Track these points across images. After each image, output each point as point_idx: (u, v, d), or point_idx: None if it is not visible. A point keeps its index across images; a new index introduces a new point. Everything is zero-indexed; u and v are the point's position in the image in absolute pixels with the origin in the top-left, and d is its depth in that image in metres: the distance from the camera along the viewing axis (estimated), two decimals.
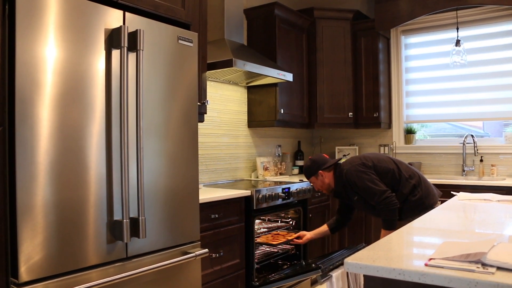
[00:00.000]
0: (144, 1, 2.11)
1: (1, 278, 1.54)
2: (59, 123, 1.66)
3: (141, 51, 1.90)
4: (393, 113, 4.53)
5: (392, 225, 2.53)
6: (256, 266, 3.05)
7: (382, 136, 4.61)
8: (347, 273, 2.72)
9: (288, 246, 3.51)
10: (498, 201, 2.27)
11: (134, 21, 1.94)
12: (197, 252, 2.17)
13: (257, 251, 3.29)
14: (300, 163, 4.57)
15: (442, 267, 1.06)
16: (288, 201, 3.30)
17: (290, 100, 4.01)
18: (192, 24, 2.42)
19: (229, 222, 2.82)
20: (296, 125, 4.19)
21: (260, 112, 3.93)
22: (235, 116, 3.89)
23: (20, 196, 1.54)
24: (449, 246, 1.23)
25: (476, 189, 3.26)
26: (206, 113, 2.81)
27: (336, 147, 4.79)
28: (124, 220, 1.82)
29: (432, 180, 3.45)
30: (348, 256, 1.25)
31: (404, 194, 2.61)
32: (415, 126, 4.52)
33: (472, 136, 4.04)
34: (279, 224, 3.62)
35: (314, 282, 3.15)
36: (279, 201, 3.20)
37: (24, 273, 1.54)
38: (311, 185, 3.25)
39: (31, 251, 1.56)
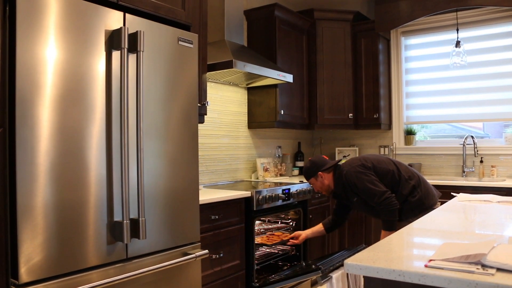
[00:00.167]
0: (144, 2, 2.11)
1: (1, 279, 1.54)
2: (60, 124, 1.66)
3: (141, 52, 1.90)
4: (393, 114, 4.53)
5: (392, 226, 2.53)
6: (256, 267, 3.05)
7: (382, 137, 4.61)
8: (347, 274, 2.72)
9: (288, 247, 3.51)
10: (498, 202, 2.27)
11: (134, 23, 1.94)
12: (197, 253, 2.17)
13: (257, 252, 3.29)
14: (300, 164, 4.57)
15: (442, 268, 1.06)
16: (288, 202, 3.30)
17: (290, 101, 4.02)
18: (192, 25, 2.42)
19: (229, 223, 2.82)
20: (296, 126, 4.20)
21: (260, 113, 3.93)
22: (235, 117, 3.89)
23: (20, 197, 1.54)
24: (449, 247, 1.23)
25: (476, 190, 3.26)
26: (206, 114, 2.81)
27: (336, 148, 4.79)
28: (124, 221, 1.82)
29: (432, 181, 3.45)
30: (348, 257, 1.25)
31: (403, 195, 2.61)
32: (415, 127, 4.53)
33: (472, 137, 4.04)
34: (279, 225, 3.62)
35: (314, 283, 3.15)
36: (279, 202, 3.20)
37: (24, 274, 1.54)
38: (311, 186, 3.25)
39: (31, 252, 1.56)
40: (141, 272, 1.88)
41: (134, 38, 1.89)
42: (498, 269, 1.04)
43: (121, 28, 1.84)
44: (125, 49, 1.84)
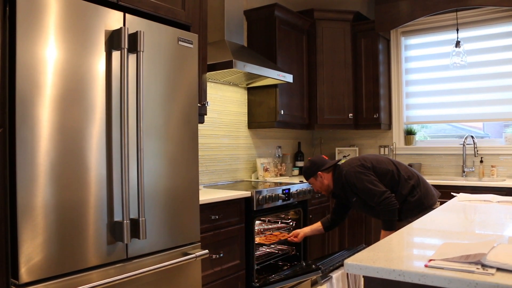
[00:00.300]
0: (144, 2, 2.11)
1: (1, 279, 1.54)
2: (60, 124, 1.66)
3: (141, 52, 1.90)
4: (393, 114, 4.53)
5: (392, 226, 2.53)
6: (256, 267, 3.05)
7: (382, 137, 4.61)
8: (347, 274, 2.72)
9: (288, 247, 3.51)
10: (498, 202, 2.27)
11: (134, 23, 1.94)
12: (197, 253, 2.17)
13: (257, 252, 3.29)
14: (300, 164, 4.57)
15: (442, 268, 1.06)
16: (288, 202, 3.30)
17: (290, 101, 4.02)
18: (192, 25, 2.42)
19: (229, 223, 2.82)
20: (296, 126, 4.20)
21: (260, 113, 3.93)
22: (235, 117, 3.89)
23: (20, 197, 1.54)
24: (449, 247, 1.23)
25: (476, 190, 3.26)
26: (206, 114, 2.81)
27: (336, 148, 4.79)
28: (124, 221, 1.82)
29: (432, 181, 3.45)
30: (348, 257, 1.25)
31: (403, 195, 2.61)
32: (415, 127, 4.53)
33: (472, 137, 4.04)
34: (279, 225, 3.62)
35: (314, 283, 3.15)
36: (279, 202, 3.20)
37: (25, 274, 1.54)
38: (311, 186, 3.25)
39: (32, 252, 1.56)
40: (141, 272, 1.88)
41: (134, 38, 1.89)
42: (498, 269, 1.04)
43: (121, 28, 1.84)
44: (125, 49, 1.84)
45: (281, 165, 4.28)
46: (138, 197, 1.89)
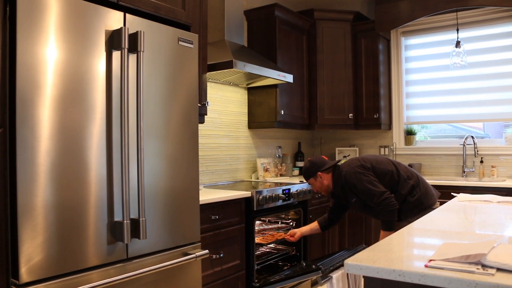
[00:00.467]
0: (144, 2, 2.11)
1: (1, 279, 1.54)
2: (60, 124, 1.66)
3: (141, 52, 1.90)
4: (393, 114, 4.53)
5: (391, 226, 2.53)
6: (256, 267, 3.05)
7: (382, 137, 4.61)
8: (347, 274, 2.72)
9: (288, 247, 3.51)
10: (498, 202, 2.27)
11: (134, 23, 1.94)
12: (198, 253, 2.17)
13: (258, 252, 3.30)
14: (300, 164, 4.57)
15: (442, 268, 1.06)
16: (289, 202, 3.30)
17: (291, 101, 4.02)
18: (192, 25, 2.42)
19: (229, 223, 2.82)
20: (296, 126, 4.20)
21: (261, 113, 3.93)
22: (236, 117, 3.89)
23: (20, 197, 1.54)
24: (449, 247, 1.23)
25: (476, 190, 3.26)
26: (206, 114, 2.81)
27: (337, 148, 4.79)
28: (125, 221, 1.82)
29: (432, 181, 3.45)
30: (348, 257, 1.25)
31: (402, 195, 2.61)
32: (415, 127, 4.53)
33: (472, 137, 4.04)
34: (279, 225, 3.62)
35: (315, 283, 3.15)
36: (280, 202, 3.20)
37: (25, 274, 1.54)
38: (311, 187, 3.25)
39: (32, 252, 1.56)
40: (141, 272, 1.89)
41: (134, 38, 1.89)
42: (498, 269, 1.04)
43: (121, 28, 1.84)
44: (126, 49, 1.84)
45: (281, 165, 4.28)
46: (138, 197, 1.90)
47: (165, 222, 2.07)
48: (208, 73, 3.06)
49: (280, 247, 3.56)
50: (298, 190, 3.39)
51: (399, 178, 2.65)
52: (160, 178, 2.05)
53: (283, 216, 3.62)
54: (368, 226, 4.06)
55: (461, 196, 2.50)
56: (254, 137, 4.11)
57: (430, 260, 1.12)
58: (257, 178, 4.01)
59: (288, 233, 3.16)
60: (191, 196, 2.22)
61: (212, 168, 3.61)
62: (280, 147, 4.44)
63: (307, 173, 2.83)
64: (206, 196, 2.66)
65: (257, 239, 3.33)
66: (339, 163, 2.83)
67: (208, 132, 3.57)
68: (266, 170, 4.04)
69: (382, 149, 4.60)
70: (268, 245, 3.47)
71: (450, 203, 2.31)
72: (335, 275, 2.66)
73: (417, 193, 2.61)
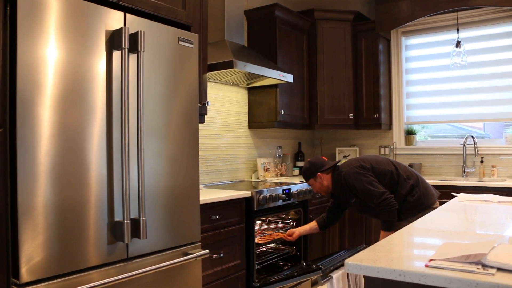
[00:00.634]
0: (144, 2, 2.11)
1: (2, 279, 1.54)
2: (60, 124, 1.66)
3: (142, 52, 1.91)
4: (393, 114, 4.53)
5: (391, 227, 2.53)
6: (256, 267, 3.06)
7: (382, 137, 4.61)
8: (348, 274, 2.72)
9: (288, 247, 3.51)
10: (499, 202, 2.27)
11: (135, 23, 1.95)
12: (198, 253, 2.17)
13: (258, 252, 3.29)
14: (300, 164, 4.57)
15: (442, 268, 1.06)
16: (289, 202, 3.30)
17: (291, 101, 4.02)
18: (192, 25, 2.42)
19: (229, 223, 2.82)
20: (296, 126, 4.20)
21: (261, 113, 3.93)
22: (236, 117, 3.89)
23: (21, 196, 1.54)
24: (450, 247, 1.23)
25: (476, 190, 3.26)
26: (206, 114, 2.81)
27: (337, 148, 4.79)
28: (125, 221, 1.82)
29: (432, 181, 3.45)
30: (348, 257, 1.26)
31: (402, 195, 2.61)
32: (415, 127, 4.53)
33: (472, 137, 4.04)
34: (279, 225, 3.62)
35: (315, 283, 3.15)
36: (280, 202, 3.20)
37: (25, 273, 1.55)
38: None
39: (32, 251, 1.57)
40: (141, 272, 1.89)
41: (134, 38, 1.89)
42: (499, 269, 1.04)
43: (121, 28, 1.84)
44: (126, 49, 1.84)
45: (281, 165, 4.28)
46: (138, 197, 1.90)
47: (165, 222, 2.07)
48: (208, 73, 3.06)
49: (280, 247, 3.56)
50: (298, 190, 3.39)
51: (399, 178, 2.65)
52: (160, 178, 2.05)
53: (283, 216, 3.62)
54: (369, 226, 4.06)
55: (461, 196, 2.50)
56: (254, 137, 4.11)
57: (431, 260, 1.12)
58: (257, 178, 4.01)
59: (286, 233, 3.16)
60: (191, 196, 2.22)
61: (212, 168, 3.61)
62: (280, 147, 4.44)
63: (307, 174, 2.83)
64: (206, 196, 2.66)
65: (257, 239, 3.33)
66: (339, 164, 2.83)
67: (208, 132, 3.57)
68: (266, 170, 4.04)
69: (382, 149, 4.60)
70: (269, 245, 3.47)
71: (450, 203, 2.31)
72: (336, 275, 2.67)
73: (416, 193, 2.61)
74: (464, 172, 4.11)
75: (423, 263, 1.11)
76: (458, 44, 3.97)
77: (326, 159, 2.90)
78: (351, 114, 4.32)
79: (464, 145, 4.10)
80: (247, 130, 4.03)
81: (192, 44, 2.23)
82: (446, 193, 3.19)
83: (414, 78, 4.51)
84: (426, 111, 4.44)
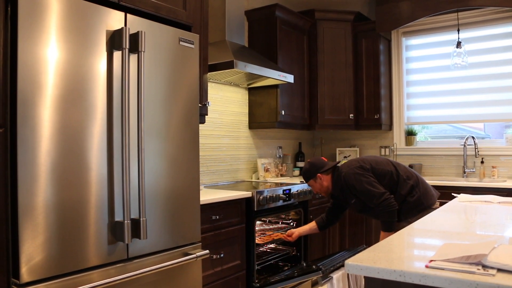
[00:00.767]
0: (145, 2, 2.11)
1: (2, 279, 1.54)
2: (61, 124, 1.66)
3: (142, 52, 1.91)
4: (394, 115, 4.53)
5: (391, 227, 2.53)
6: (256, 267, 3.05)
7: (383, 137, 4.61)
8: (348, 274, 2.72)
9: (288, 248, 3.51)
10: (499, 203, 2.27)
11: (135, 23, 1.95)
12: (198, 253, 2.17)
13: (258, 252, 3.29)
14: (301, 164, 4.57)
15: (442, 269, 1.06)
16: (289, 202, 3.30)
17: (291, 102, 4.02)
18: (193, 25, 2.43)
19: (230, 223, 2.82)
20: (297, 126, 4.20)
21: (261, 113, 3.93)
22: (236, 117, 3.90)
23: (21, 196, 1.54)
24: (450, 248, 1.23)
25: (477, 191, 3.26)
26: (207, 115, 2.81)
27: (337, 149, 4.79)
28: (125, 221, 1.82)
29: (432, 181, 3.45)
30: (348, 257, 1.26)
31: (402, 195, 2.61)
32: (416, 127, 4.53)
33: (473, 137, 4.04)
34: (280, 225, 3.62)
35: (315, 283, 3.15)
36: (280, 203, 3.20)
37: (25, 273, 1.55)
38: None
39: (32, 251, 1.57)
40: (142, 272, 1.89)
41: (135, 39, 1.89)
42: (499, 270, 1.04)
43: (122, 28, 1.85)
44: (126, 49, 1.84)
45: (281, 166, 4.28)
46: (139, 197, 1.90)
47: (165, 222, 2.07)
48: (209, 73, 3.05)
49: (281, 248, 3.56)
50: (299, 191, 3.39)
51: (399, 179, 2.65)
52: (160, 178, 2.05)
53: (284, 216, 3.62)
54: (369, 227, 4.06)
55: (461, 197, 2.49)
56: (254, 137, 4.11)
57: (431, 261, 1.12)
58: (258, 178, 4.01)
59: (286, 233, 3.16)
60: (191, 196, 2.22)
61: (212, 168, 3.61)
62: (280, 147, 4.44)
63: (307, 174, 2.83)
64: (207, 196, 2.66)
65: (258, 240, 3.33)
66: (339, 164, 2.83)
67: (208, 132, 3.57)
68: (266, 170, 4.04)
69: (382, 150, 4.59)
70: (269, 245, 3.47)
71: (450, 203, 2.31)
72: (336, 275, 2.67)
73: (416, 193, 2.61)
74: (465, 173, 4.11)
75: (424, 264, 1.11)
76: (458, 44, 3.97)
77: (326, 159, 2.90)
78: (352, 115, 4.32)
79: (464, 145, 4.09)
80: (247, 131, 4.03)
81: (193, 44, 2.23)
82: (447, 193, 3.19)
83: (415, 78, 4.51)
84: (426, 111, 4.44)
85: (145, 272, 1.90)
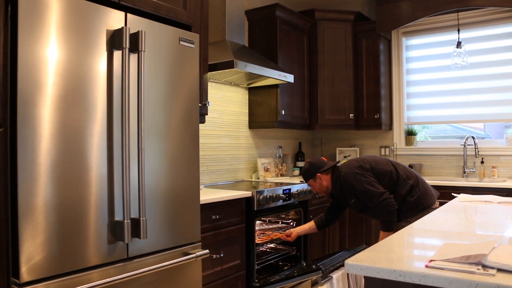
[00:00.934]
0: (145, 2, 2.11)
1: (2, 278, 1.54)
2: (61, 124, 1.66)
3: (142, 52, 1.91)
4: (394, 115, 4.53)
5: (391, 227, 2.53)
6: (256, 267, 3.06)
7: (383, 137, 4.61)
8: (348, 274, 2.72)
9: (288, 248, 3.51)
10: (499, 202, 2.27)
11: (135, 22, 1.95)
12: (198, 253, 2.17)
13: (257, 252, 3.30)
14: (301, 164, 4.57)
15: (442, 269, 1.06)
16: (289, 202, 3.30)
17: (291, 101, 4.02)
18: (193, 25, 2.43)
19: (229, 223, 2.82)
20: (297, 126, 4.20)
21: (261, 113, 3.93)
22: (236, 117, 3.90)
23: (21, 196, 1.54)
24: (450, 248, 1.23)
25: (477, 191, 3.26)
26: (207, 114, 2.81)
27: (337, 149, 4.79)
28: (125, 221, 1.82)
29: (432, 181, 3.45)
30: (348, 257, 1.26)
31: (402, 195, 2.61)
32: (416, 127, 4.53)
33: (473, 137, 4.04)
34: (280, 225, 3.62)
35: (315, 283, 3.15)
36: (280, 202, 3.20)
37: (25, 273, 1.55)
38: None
39: (32, 251, 1.57)
40: (141, 271, 1.89)
41: (135, 38, 1.89)
42: (499, 270, 1.04)
43: (122, 28, 1.85)
44: (127, 49, 1.84)
45: (281, 165, 4.28)
46: (139, 196, 1.90)
47: (165, 222, 2.07)
48: (209, 73, 3.06)
49: (280, 247, 3.56)
50: (299, 190, 3.39)
51: (398, 178, 2.65)
52: (160, 177, 2.05)
53: (284, 216, 3.62)
54: (369, 226, 4.06)
55: (461, 197, 2.50)
56: (254, 137, 4.11)
57: (431, 261, 1.12)
58: (258, 178, 4.01)
59: (285, 233, 3.16)
60: (191, 196, 2.22)
61: (212, 168, 3.61)
62: (280, 147, 4.44)
63: (306, 174, 2.83)
64: (207, 196, 2.66)
65: (257, 239, 3.33)
66: (338, 164, 2.83)
67: (208, 132, 3.57)
68: (266, 170, 4.04)
69: (382, 150, 4.59)
70: (269, 245, 3.47)
71: (450, 203, 2.31)
72: (336, 275, 2.67)
73: (416, 193, 2.61)
74: (465, 173, 4.11)
75: (423, 264, 1.11)
76: (459, 44, 3.97)
77: (325, 159, 2.90)
78: (352, 115, 4.32)
79: (464, 145, 4.09)
80: (247, 130, 4.03)
81: (193, 44, 2.23)
82: (446, 193, 3.19)
83: (415, 78, 4.51)
84: (426, 111, 4.44)
85: (145, 272, 1.90)
